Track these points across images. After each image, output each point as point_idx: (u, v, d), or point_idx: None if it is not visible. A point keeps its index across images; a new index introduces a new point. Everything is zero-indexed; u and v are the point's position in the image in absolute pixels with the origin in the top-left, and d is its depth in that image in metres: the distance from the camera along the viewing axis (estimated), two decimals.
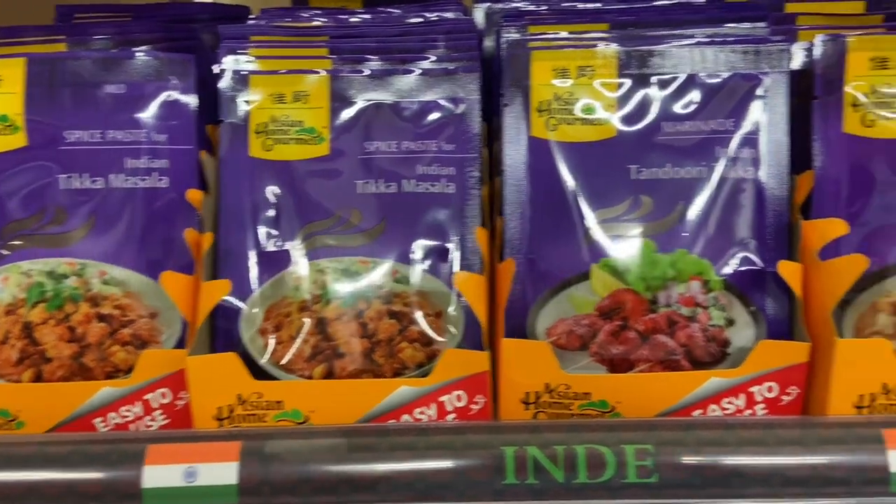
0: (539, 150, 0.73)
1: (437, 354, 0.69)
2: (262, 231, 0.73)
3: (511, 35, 0.79)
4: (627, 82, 0.73)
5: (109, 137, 0.74)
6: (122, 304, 0.72)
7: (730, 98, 0.72)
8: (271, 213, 0.74)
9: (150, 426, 0.70)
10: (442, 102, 0.76)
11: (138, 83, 0.75)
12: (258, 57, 0.77)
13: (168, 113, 0.74)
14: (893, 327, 0.67)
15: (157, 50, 0.79)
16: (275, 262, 0.72)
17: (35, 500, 0.60)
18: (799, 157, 0.71)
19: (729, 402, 0.67)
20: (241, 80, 0.76)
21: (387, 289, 0.72)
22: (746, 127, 0.71)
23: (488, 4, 0.92)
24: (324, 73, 0.76)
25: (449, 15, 0.92)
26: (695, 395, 0.67)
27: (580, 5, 0.87)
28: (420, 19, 0.91)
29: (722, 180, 0.71)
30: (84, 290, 0.72)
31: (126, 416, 0.69)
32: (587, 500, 0.61)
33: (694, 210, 0.71)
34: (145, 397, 0.69)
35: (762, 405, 0.67)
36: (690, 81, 0.72)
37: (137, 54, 0.75)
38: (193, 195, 0.73)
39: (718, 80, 0.72)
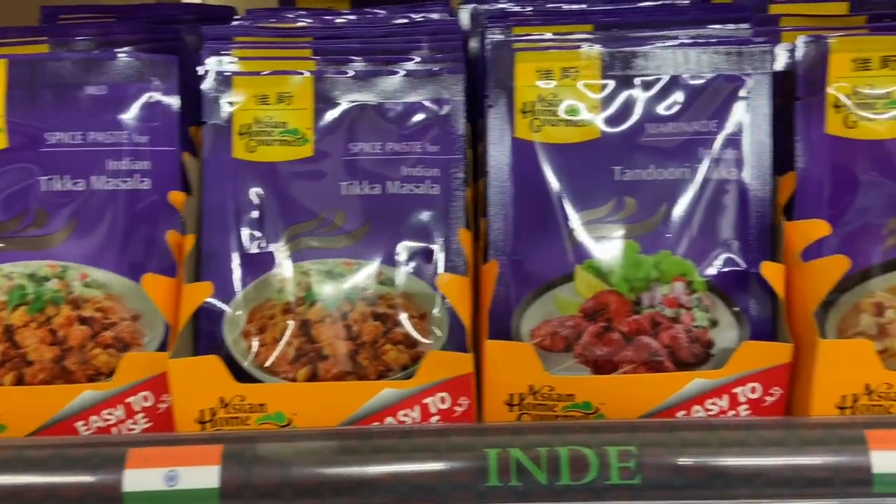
0: (523, 152, 0.73)
1: (422, 356, 0.68)
2: (245, 233, 0.73)
3: (495, 36, 0.79)
4: (611, 83, 0.73)
5: (91, 139, 0.73)
6: (103, 307, 0.71)
7: (713, 99, 0.72)
8: (255, 214, 0.73)
9: (133, 429, 0.69)
10: (426, 104, 0.75)
11: (120, 84, 0.74)
12: (241, 58, 0.76)
13: (150, 114, 0.74)
14: (876, 328, 0.68)
15: (139, 51, 0.78)
16: (258, 264, 0.72)
17: None
18: (782, 159, 0.71)
19: (713, 403, 0.67)
20: (224, 81, 0.75)
21: (371, 290, 0.71)
22: (729, 128, 0.72)
23: (474, 5, 0.92)
24: (308, 74, 0.76)
25: (434, 16, 0.92)
26: (678, 397, 0.67)
27: (565, 6, 0.87)
28: (405, 20, 0.91)
29: (705, 181, 0.71)
30: (65, 293, 0.71)
31: (108, 420, 0.69)
32: (570, 503, 0.61)
33: (677, 211, 0.71)
34: (127, 400, 0.68)
35: (745, 406, 0.67)
36: (674, 83, 0.72)
37: (119, 55, 0.75)
38: (175, 197, 0.73)
39: (702, 81, 0.72)
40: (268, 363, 0.70)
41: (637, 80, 0.73)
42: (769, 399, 0.67)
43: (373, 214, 0.73)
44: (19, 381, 0.69)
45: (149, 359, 0.68)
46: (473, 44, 0.87)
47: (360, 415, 0.67)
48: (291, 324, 0.70)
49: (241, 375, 0.69)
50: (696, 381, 0.67)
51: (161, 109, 0.74)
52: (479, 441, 0.62)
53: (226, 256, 0.72)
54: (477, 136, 0.78)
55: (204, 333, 0.70)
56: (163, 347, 0.70)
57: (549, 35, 0.77)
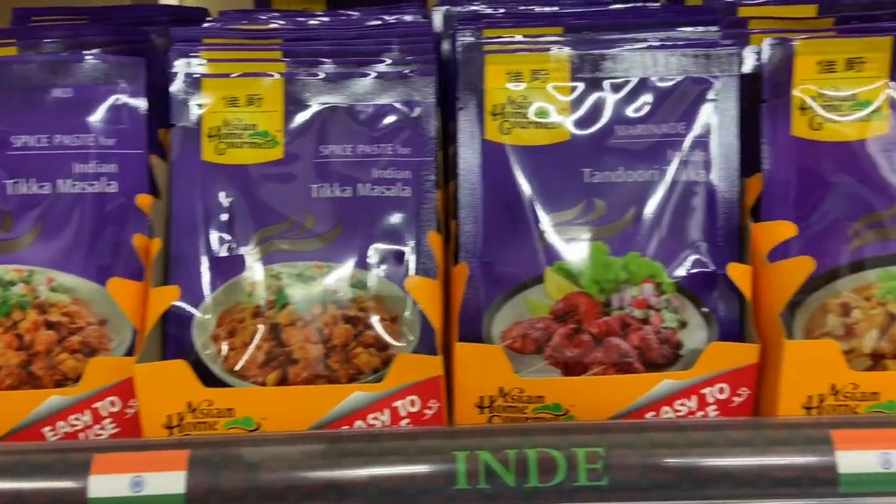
0: (493, 154, 0.73)
1: (393, 359, 0.68)
2: (214, 236, 0.72)
3: (466, 38, 0.78)
4: (580, 86, 0.73)
5: (57, 142, 0.73)
6: (70, 312, 0.70)
7: (681, 101, 0.72)
8: (224, 217, 0.73)
9: (100, 435, 0.69)
10: (397, 106, 0.75)
11: (87, 87, 0.73)
12: (210, 60, 0.76)
13: (117, 117, 0.73)
14: (843, 328, 0.68)
15: (108, 53, 0.78)
16: (228, 268, 0.72)
17: None
18: (749, 160, 0.71)
19: (681, 404, 0.68)
20: (193, 83, 0.75)
21: (342, 293, 0.71)
22: (698, 130, 0.72)
23: (447, 7, 0.92)
24: (278, 77, 0.75)
25: (408, 18, 0.93)
26: (647, 398, 0.67)
27: (537, 9, 0.87)
28: (378, 22, 0.91)
29: (674, 183, 0.72)
30: (32, 298, 0.70)
31: (75, 425, 0.68)
32: None
33: (646, 213, 0.71)
34: (94, 406, 0.68)
35: (714, 407, 0.68)
36: (643, 85, 0.73)
37: (86, 58, 0.74)
38: (143, 200, 0.72)
39: (670, 83, 0.73)
40: (237, 367, 0.69)
41: (606, 83, 0.73)
42: (737, 399, 0.67)
43: (344, 217, 0.73)
44: None
45: (115, 364, 0.68)
46: (446, 46, 0.87)
47: (330, 418, 0.66)
48: (261, 327, 0.70)
49: (211, 380, 0.68)
50: (665, 382, 0.67)
51: (128, 112, 0.73)
52: (447, 444, 0.62)
53: (195, 260, 0.71)
54: (449, 138, 0.78)
55: (172, 338, 0.70)
56: (130, 352, 0.69)
57: (519, 37, 0.77)
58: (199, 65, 0.76)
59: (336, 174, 0.74)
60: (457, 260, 0.72)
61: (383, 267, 0.72)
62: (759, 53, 0.72)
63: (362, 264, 0.72)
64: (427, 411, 0.67)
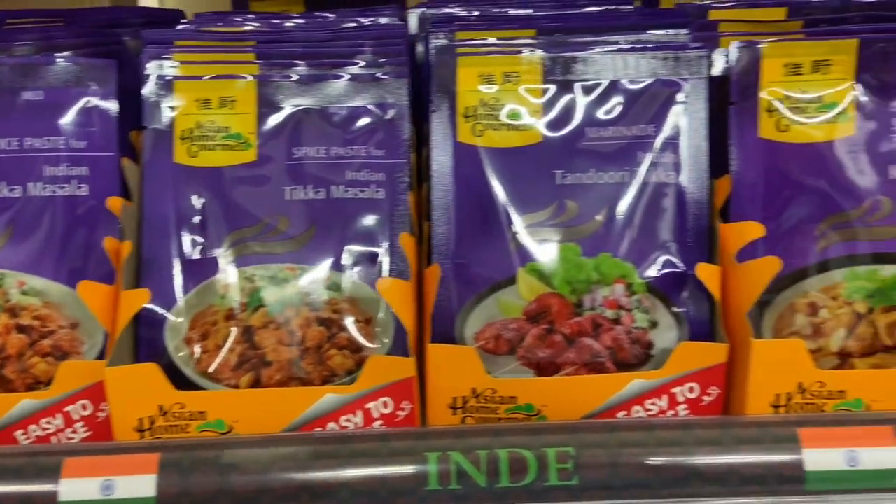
0: (465, 156, 0.73)
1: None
2: (186, 239, 0.72)
3: (439, 41, 0.79)
4: (552, 88, 0.74)
5: (27, 145, 0.72)
6: (41, 315, 0.70)
7: (651, 104, 0.73)
8: (196, 220, 0.73)
9: (72, 438, 0.68)
10: (371, 108, 0.75)
11: (57, 89, 0.73)
12: (183, 62, 0.76)
13: (88, 119, 0.73)
14: (810, 327, 0.69)
15: (80, 56, 0.77)
16: (200, 270, 0.72)
17: None
18: (718, 162, 0.72)
19: (652, 404, 0.68)
20: (166, 85, 0.75)
21: (315, 295, 0.71)
22: (667, 132, 0.73)
23: (422, 10, 0.92)
24: (251, 79, 0.75)
25: (383, 20, 0.93)
26: (618, 397, 0.68)
27: (511, 11, 0.88)
28: (354, 24, 0.91)
29: (644, 185, 0.72)
30: (2, 301, 0.70)
31: (47, 429, 0.68)
32: None
33: (617, 214, 0.72)
34: (65, 409, 0.68)
35: (684, 406, 0.68)
36: (613, 87, 0.73)
37: (57, 60, 0.74)
38: (114, 203, 0.72)
39: (640, 86, 0.73)
40: (211, 370, 0.69)
41: (577, 85, 0.74)
42: (707, 399, 0.68)
43: (317, 219, 0.73)
44: None
45: (87, 367, 0.67)
46: (420, 48, 0.88)
47: (302, 421, 0.66)
48: (234, 330, 0.70)
49: (184, 383, 0.68)
50: (636, 381, 0.68)
51: (99, 114, 0.73)
52: (419, 445, 0.62)
53: (167, 263, 0.71)
54: (423, 139, 0.79)
55: (145, 341, 0.70)
56: (102, 355, 0.69)
57: (492, 40, 0.78)
58: (172, 67, 0.76)
59: (309, 176, 0.74)
60: (430, 261, 0.72)
61: (357, 269, 0.72)
62: (727, 56, 0.72)
63: (336, 266, 0.72)
64: (400, 413, 0.68)
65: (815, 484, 0.61)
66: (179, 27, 0.87)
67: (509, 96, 0.74)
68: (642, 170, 0.72)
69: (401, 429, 0.66)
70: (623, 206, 0.72)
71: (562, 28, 0.78)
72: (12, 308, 0.70)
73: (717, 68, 0.73)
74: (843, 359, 0.69)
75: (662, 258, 0.71)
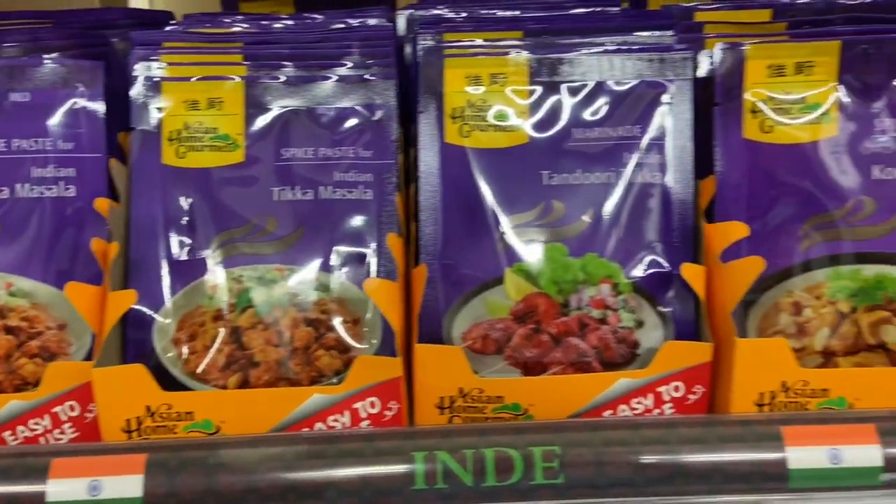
0: (453, 157, 0.74)
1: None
2: (174, 240, 0.72)
3: (426, 42, 0.79)
4: (538, 89, 0.74)
5: (15, 146, 0.72)
6: (29, 316, 0.70)
7: (637, 105, 0.73)
8: (184, 221, 0.73)
9: (60, 439, 0.68)
10: (358, 109, 0.76)
11: (45, 91, 0.73)
12: (170, 63, 0.76)
13: (75, 121, 0.73)
14: (795, 326, 0.70)
15: (68, 57, 0.77)
16: (188, 271, 0.72)
17: None
18: (703, 162, 0.72)
19: (638, 402, 0.69)
20: (153, 86, 0.75)
21: (303, 296, 0.71)
22: (653, 133, 0.73)
23: (410, 11, 0.92)
24: (238, 80, 0.75)
25: (371, 21, 0.93)
26: (605, 396, 0.68)
27: (499, 13, 0.88)
28: (342, 25, 0.92)
29: (630, 185, 0.73)
30: None
31: (35, 430, 0.68)
32: (496, 503, 0.62)
33: (603, 215, 0.72)
34: (53, 410, 0.68)
35: (670, 404, 0.69)
36: (599, 89, 0.74)
37: (45, 62, 0.74)
38: (101, 204, 0.72)
39: (626, 87, 0.74)
40: (198, 370, 0.69)
41: (564, 86, 0.74)
42: (692, 397, 0.69)
43: (305, 220, 0.74)
44: None
45: (74, 368, 0.67)
46: (409, 49, 0.88)
47: (290, 421, 0.67)
48: (222, 331, 0.70)
49: (172, 384, 0.68)
50: (622, 380, 0.68)
51: (87, 116, 0.73)
52: (405, 445, 0.62)
53: (155, 264, 0.71)
54: (411, 140, 0.79)
55: (132, 342, 0.70)
56: (90, 356, 0.69)
57: (479, 41, 0.78)
58: (159, 68, 0.76)
59: (297, 177, 0.74)
60: (417, 262, 0.73)
61: (345, 269, 0.72)
62: (712, 57, 0.73)
63: (324, 267, 0.72)
64: (387, 412, 0.68)
65: (799, 482, 0.61)
66: (167, 28, 0.87)
67: (496, 97, 0.74)
68: (628, 170, 0.73)
69: (387, 428, 0.67)
70: (609, 207, 0.73)
71: (548, 30, 0.79)
72: (0, 309, 0.70)
73: (702, 70, 0.74)
74: (827, 357, 0.69)
75: (648, 258, 0.72)
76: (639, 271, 0.71)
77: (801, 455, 0.62)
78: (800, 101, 0.71)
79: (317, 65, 0.77)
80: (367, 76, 0.76)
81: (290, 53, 0.78)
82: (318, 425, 0.67)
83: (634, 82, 0.74)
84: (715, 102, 0.72)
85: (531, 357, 0.71)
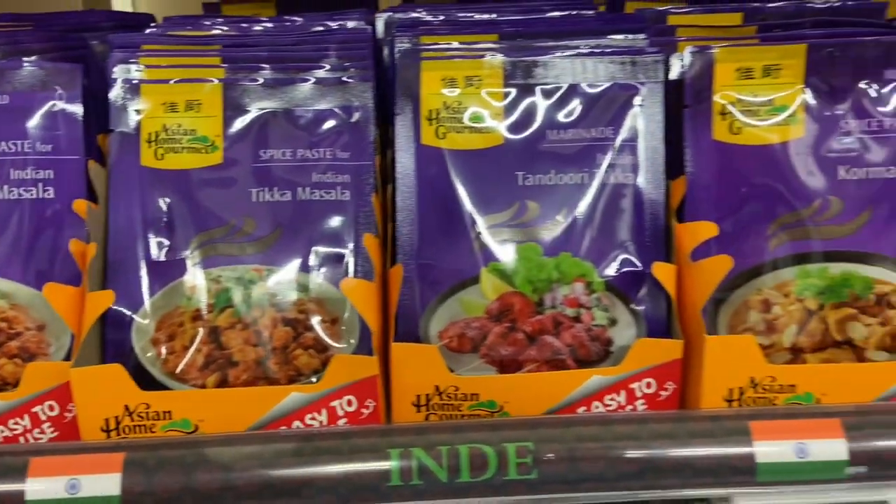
0: (429, 158, 0.75)
1: None
2: (153, 241, 0.73)
3: (403, 45, 0.80)
4: (513, 92, 0.75)
5: None
6: (8, 317, 0.71)
7: (609, 107, 0.75)
8: (163, 222, 0.73)
9: (39, 439, 0.69)
10: (336, 111, 0.77)
11: (23, 93, 0.74)
12: (149, 66, 0.77)
13: (53, 123, 0.74)
14: (764, 324, 0.71)
15: (47, 60, 0.78)
16: (167, 272, 0.72)
17: None
18: (674, 163, 0.74)
19: (611, 399, 0.70)
20: (132, 89, 0.75)
21: (281, 296, 0.72)
22: (625, 135, 0.74)
23: (389, 14, 0.93)
24: (216, 82, 0.76)
25: (350, 24, 0.94)
26: (578, 393, 0.69)
27: (477, 16, 0.89)
28: (321, 28, 0.92)
29: (603, 186, 0.74)
30: None
31: (14, 430, 0.68)
32: (470, 499, 0.63)
33: (577, 215, 0.74)
34: (33, 410, 0.68)
35: (642, 401, 0.70)
36: (573, 91, 0.75)
37: (23, 64, 0.74)
38: (79, 205, 0.72)
39: (599, 89, 0.75)
40: (178, 370, 0.70)
41: (538, 89, 0.75)
42: (664, 394, 0.70)
43: (283, 221, 0.74)
44: None
45: (53, 368, 0.68)
46: (386, 52, 0.89)
47: (268, 419, 0.67)
48: (201, 331, 0.71)
49: (152, 384, 0.69)
50: (595, 377, 0.69)
51: (65, 118, 0.74)
52: (381, 442, 0.63)
53: (133, 265, 0.72)
54: (388, 142, 0.80)
55: (111, 342, 0.70)
56: (69, 357, 0.70)
57: (455, 44, 0.79)
58: (138, 71, 0.76)
59: (276, 178, 0.75)
60: (394, 262, 0.74)
61: (323, 270, 0.73)
62: (682, 61, 0.74)
63: (302, 267, 0.73)
64: (364, 410, 0.69)
65: (766, 475, 0.63)
66: (147, 31, 0.88)
67: (471, 100, 0.75)
68: (601, 171, 0.74)
69: (363, 426, 0.68)
70: (582, 207, 0.74)
71: (523, 33, 0.80)
72: None
73: (673, 72, 0.75)
74: (796, 354, 0.71)
75: (621, 257, 0.73)
76: (612, 270, 0.73)
77: (769, 449, 0.63)
78: (767, 104, 0.72)
79: (295, 67, 0.78)
80: (344, 78, 0.77)
81: (269, 56, 0.79)
82: (296, 423, 0.68)
83: (607, 85, 0.75)
84: (685, 105, 0.73)
85: (506, 355, 0.72)
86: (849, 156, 0.71)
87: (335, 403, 0.68)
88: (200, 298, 0.72)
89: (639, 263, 0.73)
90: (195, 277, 0.72)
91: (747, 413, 0.66)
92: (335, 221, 0.75)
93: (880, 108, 0.71)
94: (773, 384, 0.68)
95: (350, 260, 0.74)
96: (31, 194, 0.73)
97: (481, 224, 0.74)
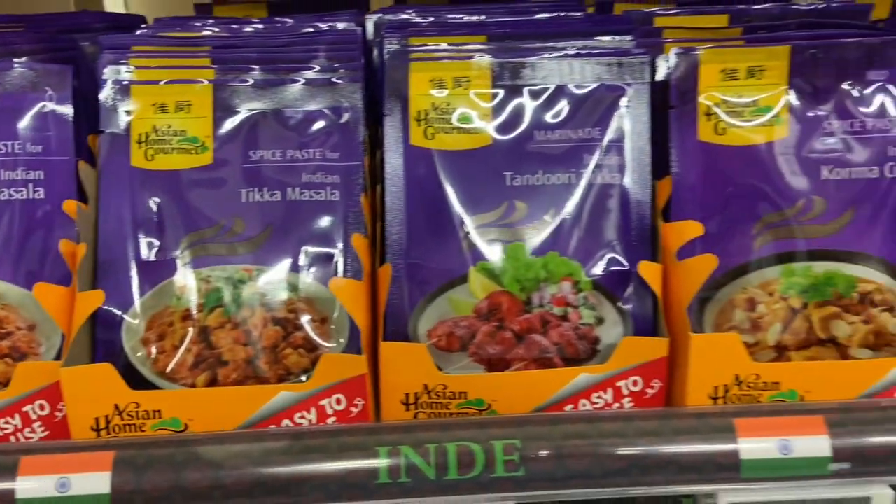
0: (418, 158, 0.75)
1: None
2: (143, 241, 0.73)
3: (392, 46, 0.81)
4: (501, 93, 0.76)
5: None
6: None
7: (596, 108, 0.75)
8: (153, 222, 0.74)
9: (30, 438, 0.69)
10: (326, 112, 0.77)
11: (14, 95, 0.74)
12: (139, 67, 0.77)
13: (44, 124, 0.74)
14: (749, 322, 0.72)
15: (37, 61, 0.78)
16: (157, 272, 0.73)
17: None
18: (660, 163, 0.75)
19: (598, 397, 0.71)
20: (122, 90, 0.76)
21: (271, 296, 0.73)
22: (612, 135, 0.75)
23: (379, 15, 0.94)
24: (206, 83, 0.77)
25: (340, 25, 0.94)
26: (565, 391, 0.70)
27: (466, 17, 0.90)
28: (311, 29, 0.93)
29: (590, 186, 0.75)
30: None
31: (5, 429, 0.69)
32: (458, 496, 0.64)
33: (564, 214, 0.74)
34: (23, 409, 0.68)
35: (629, 398, 0.71)
36: (560, 92, 0.76)
37: (14, 66, 0.75)
38: (69, 206, 0.73)
39: (586, 90, 0.76)
40: (167, 370, 0.70)
41: (525, 90, 0.76)
42: (650, 391, 0.71)
43: (273, 221, 0.75)
44: None
45: (44, 368, 0.68)
46: (376, 53, 0.89)
47: (257, 418, 0.68)
48: (191, 330, 0.71)
49: (142, 383, 0.69)
50: (582, 375, 0.70)
51: (55, 119, 0.74)
52: (370, 440, 0.64)
53: (123, 265, 0.73)
54: (377, 142, 0.80)
55: (102, 342, 0.71)
56: (60, 356, 0.70)
57: (443, 46, 0.80)
58: (128, 72, 0.77)
59: (265, 179, 0.76)
60: (383, 262, 0.74)
61: (312, 269, 0.74)
62: (668, 62, 0.75)
63: (292, 267, 0.74)
64: (353, 409, 0.69)
65: (750, 472, 0.64)
66: (137, 33, 0.88)
67: (460, 100, 0.76)
68: (588, 171, 0.75)
69: (352, 424, 0.68)
70: (570, 207, 0.74)
71: (511, 34, 0.80)
72: None
73: (659, 74, 0.76)
74: (780, 352, 0.71)
75: (608, 256, 0.74)
76: (599, 269, 0.73)
77: (753, 446, 0.64)
78: (752, 104, 0.73)
79: (284, 68, 0.79)
80: (334, 79, 0.78)
81: (259, 57, 0.79)
82: (286, 422, 0.68)
83: (594, 86, 0.76)
84: (671, 105, 0.74)
85: (495, 353, 0.72)
86: (832, 156, 0.72)
87: (324, 402, 0.69)
88: (190, 298, 0.72)
89: (625, 263, 0.73)
90: (185, 277, 0.73)
91: (732, 410, 0.66)
92: (325, 221, 0.75)
93: (863, 109, 0.72)
94: (757, 382, 0.69)
95: (339, 259, 0.74)
96: (22, 195, 0.73)
97: (470, 224, 0.74)
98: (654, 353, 0.70)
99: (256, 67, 0.78)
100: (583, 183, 0.75)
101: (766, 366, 0.69)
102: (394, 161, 0.76)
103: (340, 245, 0.74)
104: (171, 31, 0.90)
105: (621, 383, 0.70)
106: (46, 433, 0.69)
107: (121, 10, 1.80)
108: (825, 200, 0.72)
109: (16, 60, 0.78)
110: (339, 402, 0.69)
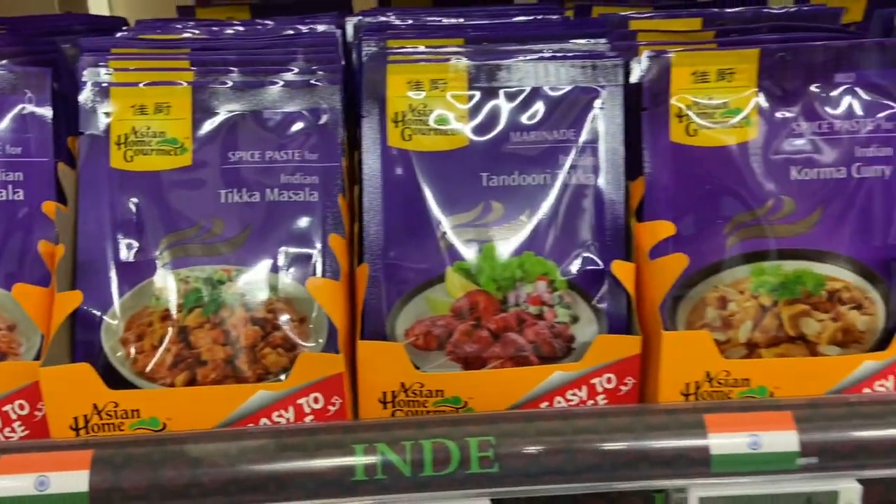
0: (395, 159, 0.76)
1: None
2: (122, 242, 0.74)
3: (370, 48, 0.82)
4: (477, 94, 0.77)
5: None
6: None
7: (571, 110, 0.77)
8: (132, 223, 0.74)
9: (10, 437, 0.70)
10: (304, 113, 0.78)
11: None
12: (118, 69, 0.78)
13: (23, 126, 0.74)
14: (720, 320, 0.73)
15: (17, 63, 0.79)
16: (136, 273, 0.73)
17: None
18: (633, 164, 0.76)
19: (573, 394, 0.72)
20: (102, 91, 0.76)
21: (250, 296, 0.73)
22: (586, 136, 0.76)
23: (359, 18, 0.95)
24: (186, 85, 0.77)
25: (320, 28, 0.95)
26: (541, 388, 0.71)
27: (444, 20, 0.91)
28: (292, 32, 0.94)
29: (565, 186, 0.76)
30: None
31: None
32: (434, 493, 0.65)
33: (540, 215, 0.75)
34: (3, 409, 0.69)
35: (603, 395, 0.72)
36: (535, 94, 0.77)
37: None
38: (48, 207, 0.73)
39: (561, 92, 0.77)
40: (147, 370, 0.71)
41: (501, 92, 0.77)
42: (624, 388, 0.72)
43: (252, 221, 0.75)
44: None
45: (23, 368, 0.69)
46: (355, 55, 0.90)
47: (236, 417, 0.69)
48: (170, 330, 0.72)
49: (122, 383, 0.70)
50: (557, 373, 0.71)
51: (34, 121, 0.75)
52: (346, 438, 0.65)
53: (102, 265, 0.73)
54: (356, 143, 0.81)
55: (81, 342, 0.71)
56: (40, 356, 0.71)
57: (421, 48, 0.81)
58: (108, 74, 0.77)
59: (244, 180, 0.76)
60: (361, 262, 0.75)
61: (291, 270, 0.75)
62: (640, 65, 0.76)
63: (271, 268, 0.74)
64: (331, 407, 0.70)
65: (721, 466, 0.65)
66: (117, 35, 0.89)
67: (437, 102, 0.77)
68: (563, 172, 0.76)
69: (329, 422, 0.69)
70: (545, 207, 0.76)
71: (488, 37, 0.82)
72: None
73: (633, 76, 0.77)
74: (751, 349, 0.73)
75: (582, 256, 0.75)
76: (573, 269, 0.74)
77: (723, 441, 0.65)
78: (722, 106, 0.74)
79: (263, 70, 0.80)
80: (312, 81, 0.78)
81: (238, 59, 0.80)
82: (263, 421, 0.69)
83: (568, 88, 0.77)
84: (643, 107, 0.75)
85: (471, 352, 0.73)
86: (801, 157, 0.74)
87: (302, 401, 0.69)
88: (169, 298, 0.73)
89: (599, 262, 0.74)
90: (164, 278, 0.73)
91: (703, 406, 0.68)
92: (303, 222, 0.76)
93: (830, 111, 0.74)
94: (728, 378, 0.70)
95: (318, 260, 0.75)
96: (1, 196, 0.73)
97: (446, 224, 0.75)
98: (628, 350, 0.71)
99: (235, 69, 0.79)
100: (558, 184, 0.76)
101: (736, 363, 0.70)
102: (371, 162, 0.77)
103: (319, 245, 0.75)
104: (151, 33, 0.91)
105: (595, 380, 0.71)
106: (26, 432, 0.70)
107: (105, 12, 1.80)
108: (794, 200, 0.73)
109: None
110: (316, 400, 0.70)
